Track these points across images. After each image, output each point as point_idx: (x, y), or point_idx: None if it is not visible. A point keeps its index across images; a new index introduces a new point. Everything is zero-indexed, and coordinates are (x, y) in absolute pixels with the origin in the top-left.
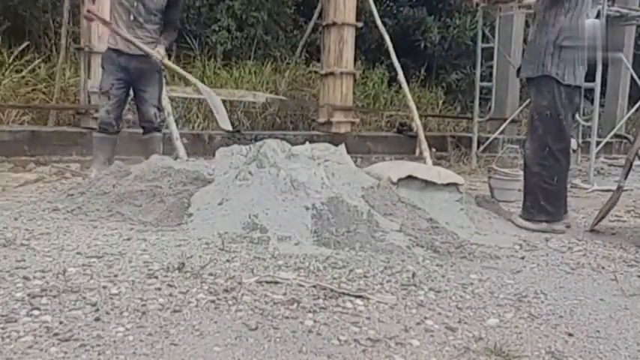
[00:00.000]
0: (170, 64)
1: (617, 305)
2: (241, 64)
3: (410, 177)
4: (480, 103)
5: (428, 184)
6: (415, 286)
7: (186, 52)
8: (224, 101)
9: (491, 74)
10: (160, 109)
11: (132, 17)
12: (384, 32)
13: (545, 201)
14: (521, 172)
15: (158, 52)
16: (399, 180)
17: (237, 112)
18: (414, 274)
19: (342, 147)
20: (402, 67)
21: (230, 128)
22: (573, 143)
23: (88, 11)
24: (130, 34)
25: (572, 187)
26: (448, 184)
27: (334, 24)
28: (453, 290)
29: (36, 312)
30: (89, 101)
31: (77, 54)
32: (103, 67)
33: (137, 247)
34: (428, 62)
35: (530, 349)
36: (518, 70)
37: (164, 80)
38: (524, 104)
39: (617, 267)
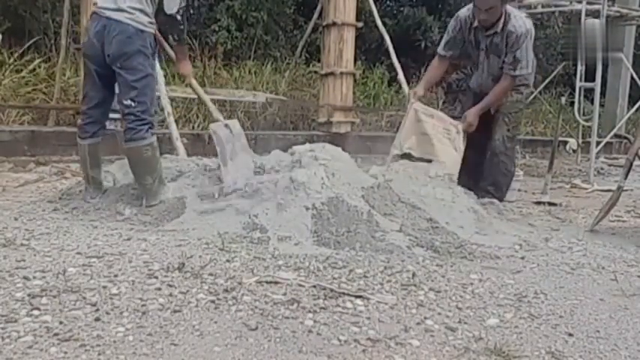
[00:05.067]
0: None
1: (617, 305)
2: (241, 64)
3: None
4: None
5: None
6: (415, 286)
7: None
8: (224, 101)
9: None
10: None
11: None
12: (384, 32)
13: None
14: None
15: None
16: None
17: (237, 112)
18: (414, 274)
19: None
20: (402, 67)
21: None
22: (573, 143)
23: None
24: None
25: (572, 187)
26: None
27: (334, 24)
28: (453, 290)
29: (36, 312)
30: None
31: (77, 54)
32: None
33: (137, 247)
34: (428, 62)
35: (530, 349)
36: None
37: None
38: None
39: (617, 267)
